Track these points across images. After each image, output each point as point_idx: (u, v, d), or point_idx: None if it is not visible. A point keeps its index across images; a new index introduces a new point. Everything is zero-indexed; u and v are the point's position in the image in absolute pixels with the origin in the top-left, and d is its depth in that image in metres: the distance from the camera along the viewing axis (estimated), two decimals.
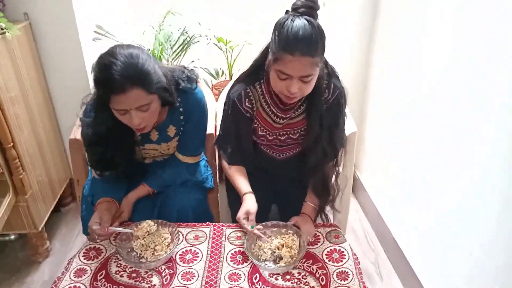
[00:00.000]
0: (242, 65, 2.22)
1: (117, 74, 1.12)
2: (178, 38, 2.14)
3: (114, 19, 2.16)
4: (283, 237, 1.28)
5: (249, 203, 1.31)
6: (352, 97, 2.16)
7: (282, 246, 1.25)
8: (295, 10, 1.16)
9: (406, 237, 1.77)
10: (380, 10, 1.98)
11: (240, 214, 1.29)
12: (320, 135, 1.33)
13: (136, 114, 1.20)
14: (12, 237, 1.99)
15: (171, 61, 2.11)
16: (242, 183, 1.39)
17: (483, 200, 1.28)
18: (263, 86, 1.34)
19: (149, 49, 2.09)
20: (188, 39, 2.14)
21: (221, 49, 2.23)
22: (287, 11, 1.19)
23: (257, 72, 1.34)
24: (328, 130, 1.33)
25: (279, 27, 1.16)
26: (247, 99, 1.34)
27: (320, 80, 1.25)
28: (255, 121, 1.38)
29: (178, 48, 2.13)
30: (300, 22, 1.13)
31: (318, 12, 1.17)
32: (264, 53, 1.26)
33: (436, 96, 1.52)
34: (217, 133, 1.51)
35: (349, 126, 1.57)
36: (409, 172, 1.74)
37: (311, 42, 1.13)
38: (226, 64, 2.28)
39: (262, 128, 1.39)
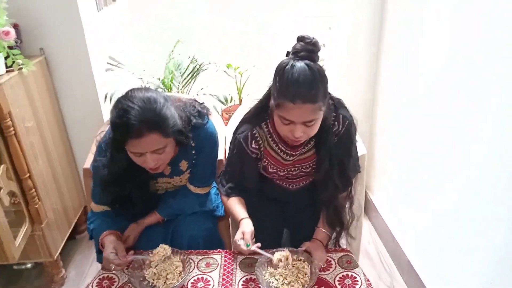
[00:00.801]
0: (251, 90, 2.27)
1: (134, 119, 1.14)
2: (188, 66, 2.20)
3: (126, 50, 2.23)
4: (295, 264, 1.28)
5: (245, 226, 1.30)
6: (360, 118, 2.19)
7: (286, 259, 1.24)
8: (295, 54, 1.14)
9: (421, 259, 1.74)
10: (385, 31, 2.01)
11: (237, 236, 1.28)
12: (331, 170, 1.30)
13: (151, 157, 1.22)
14: (29, 265, 2.02)
15: (181, 89, 2.16)
16: (239, 210, 1.37)
17: (497, 222, 1.26)
18: (269, 126, 1.32)
19: (160, 78, 2.15)
20: (198, 66, 2.19)
21: (230, 76, 2.27)
22: (288, 53, 1.18)
23: (262, 112, 1.33)
24: (340, 163, 1.31)
25: (280, 72, 1.15)
26: (253, 141, 1.33)
27: (326, 118, 1.23)
28: (264, 159, 1.37)
29: (188, 76, 2.18)
30: (300, 68, 1.11)
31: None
32: (268, 93, 1.26)
33: (447, 113, 1.52)
34: (223, 167, 1.49)
35: (359, 149, 1.57)
36: (423, 192, 1.72)
37: (311, 90, 1.11)
38: (236, 89, 2.32)
39: (272, 165, 1.38)
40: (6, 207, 1.58)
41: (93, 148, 1.42)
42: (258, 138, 1.33)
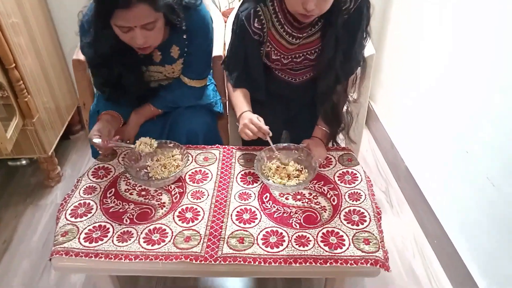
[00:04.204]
0: None
1: None
2: None
3: None
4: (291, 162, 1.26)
5: (253, 115, 1.25)
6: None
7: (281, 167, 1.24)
8: None
9: (419, 166, 1.74)
10: None
11: (252, 116, 1.23)
12: (335, 58, 1.23)
13: (141, 33, 1.12)
14: (24, 162, 2.01)
15: None
16: (243, 103, 1.32)
17: (501, 123, 1.22)
18: (275, 3, 1.22)
19: None
20: None
21: None
22: None
23: None
24: (344, 49, 1.23)
25: None
26: (256, 19, 1.23)
27: None
28: (268, 44, 1.29)
29: None
30: None
31: None
32: None
33: (456, 23, 1.40)
34: (226, 53, 1.42)
35: (367, 48, 1.47)
36: (425, 99, 1.66)
37: None
38: None
39: (275, 51, 1.30)
40: None
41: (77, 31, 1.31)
42: (261, 17, 1.23)
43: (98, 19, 1.14)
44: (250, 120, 1.23)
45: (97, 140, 1.21)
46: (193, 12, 1.27)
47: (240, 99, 1.34)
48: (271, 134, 1.22)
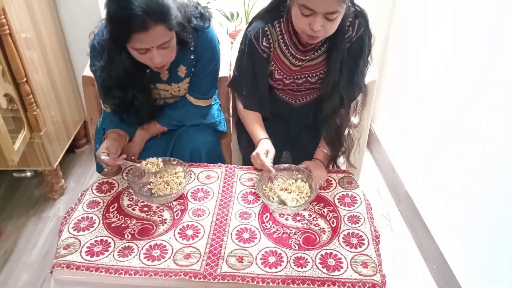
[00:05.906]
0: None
1: (138, 10, 1.05)
2: None
3: None
4: (294, 180, 1.27)
5: (268, 145, 1.30)
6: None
7: (285, 189, 1.25)
8: None
9: (419, 191, 1.75)
10: None
11: (260, 150, 1.27)
12: (339, 81, 1.27)
13: (158, 52, 1.16)
14: (28, 174, 2.04)
15: None
16: (259, 130, 1.36)
17: (503, 148, 1.24)
18: (282, 25, 1.27)
19: None
20: None
21: None
22: None
23: (277, 9, 1.28)
24: (348, 74, 1.27)
25: None
26: (264, 38, 1.28)
27: (344, 19, 1.18)
28: (272, 63, 1.33)
29: None
30: None
31: None
32: None
33: (461, 50, 1.44)
34: (231, 73, 1.46)
35: (370, 74, 1.51)
36: (426, 124, 1.69)
37: None
38: (243, 10, 2.19)
39: (279, 71, 1.34)
40: (4, 111, 1.55)
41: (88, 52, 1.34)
42: (269, 36, 1.28)
43: (114, 43, 1.17)
44: (257, 154, 1.27)
45: (105, 158, 1.23)
46: (201, 34, 1.31)
47: (255, 125, 1.38)
48: (274, 172, 1.25)
